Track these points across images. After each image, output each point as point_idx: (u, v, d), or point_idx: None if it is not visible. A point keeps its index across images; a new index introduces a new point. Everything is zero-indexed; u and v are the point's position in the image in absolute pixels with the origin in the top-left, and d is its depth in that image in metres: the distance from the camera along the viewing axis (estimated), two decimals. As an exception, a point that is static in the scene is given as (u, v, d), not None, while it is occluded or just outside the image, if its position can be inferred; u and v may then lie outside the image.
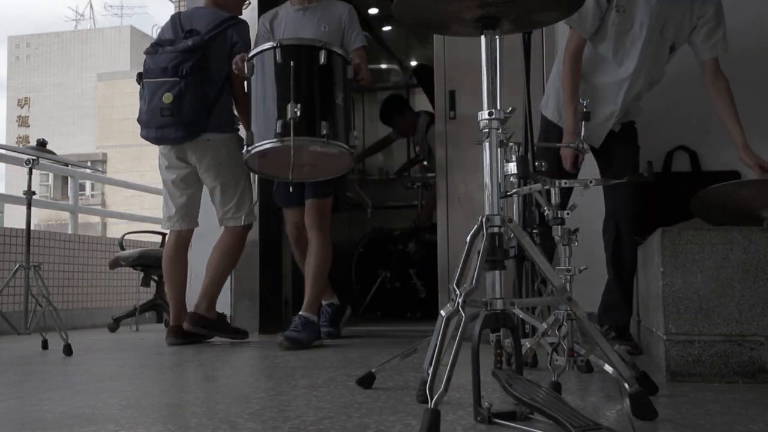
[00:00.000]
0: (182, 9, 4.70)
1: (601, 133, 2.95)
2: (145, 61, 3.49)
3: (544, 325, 1.98)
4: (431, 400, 1.35)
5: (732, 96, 2.87)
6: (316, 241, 3.46)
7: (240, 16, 3.74)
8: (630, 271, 2.94)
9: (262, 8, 4.25)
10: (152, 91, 3.39)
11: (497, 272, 1.57)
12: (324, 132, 2.97)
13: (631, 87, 2.88)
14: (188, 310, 3.60)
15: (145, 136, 3.50)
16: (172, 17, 3.66)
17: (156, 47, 3.49)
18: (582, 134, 2.25)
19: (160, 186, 3.79)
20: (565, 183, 2.12)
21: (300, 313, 3.38)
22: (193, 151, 3.53)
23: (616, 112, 2.90)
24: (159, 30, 3.74)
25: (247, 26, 3.68)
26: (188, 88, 3.36)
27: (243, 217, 3.60)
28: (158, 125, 3.40)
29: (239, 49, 3.45)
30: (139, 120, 3.48)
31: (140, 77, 3.47)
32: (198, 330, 3.50)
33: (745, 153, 2.82)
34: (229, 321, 4.07)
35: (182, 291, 3.63)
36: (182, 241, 3.65)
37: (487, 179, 1.61)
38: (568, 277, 2.05)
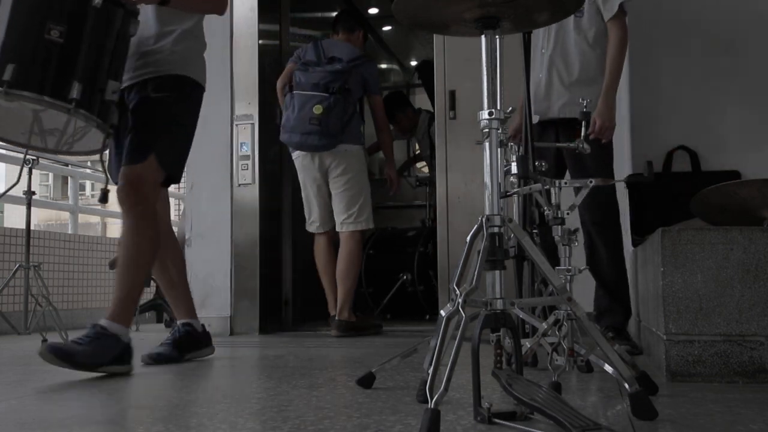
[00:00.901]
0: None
1: (540, 108, 2.99)
2: (296, 75, 3.95)
3: (544, 325, 1.98)
4: (431, 400, 1.35)
5: (614, 61, 2.91)
6: (127, 224, 2.61)
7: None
8: (614, 279, 2.91)
9: (262, 9, 4.29)
10: (303, 102, 3.87)
11: (497, 272, 1.57)
12: (5, 78, 2.17)
13: (545, 46, 3.02)
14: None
15: (287, 141, 3.97)
16: (314, 43, 4.12)
17: (306, 66, 3.96)
18: (583, 134, 2.26)
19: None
20: (565, 183, 2.13)
21: (99, 321, 2.55)
22: (330, 159, 3.98)
23: (543, 77, 3.00)
24: (301, 50, 4.15)
25: (375, 65, 4.34)
26: (336, 103, 3.88)
27: (363, 222, 4.02)
28: (304, 131, 3.86)
29: (369, 86, 4.13)
30: (283, 125, 3.95)
31: (290, 89, 3.95)
32: (349, 334, 3.91)
33: (600, 105, 2.86)
34: (229, 322, 4.13)
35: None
36: (328, 239, 4.09)
37: (487, 179, 1.61)
38: (568, 277, 2.05)
